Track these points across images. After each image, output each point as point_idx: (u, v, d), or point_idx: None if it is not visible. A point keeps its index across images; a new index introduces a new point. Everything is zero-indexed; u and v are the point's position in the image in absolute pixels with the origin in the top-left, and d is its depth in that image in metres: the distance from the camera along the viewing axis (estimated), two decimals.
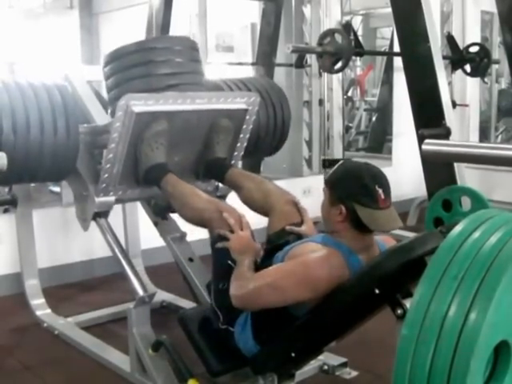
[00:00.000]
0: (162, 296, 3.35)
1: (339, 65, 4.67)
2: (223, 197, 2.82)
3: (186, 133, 2.55)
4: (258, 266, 2.02)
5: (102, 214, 2.56)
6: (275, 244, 2.14)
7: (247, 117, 2.69)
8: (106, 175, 2.45)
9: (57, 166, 2.38)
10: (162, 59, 2.54)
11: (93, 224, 2.62)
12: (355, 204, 1.77)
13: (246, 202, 2.43)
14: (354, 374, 2.54)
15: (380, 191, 1.78)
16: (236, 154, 2.78)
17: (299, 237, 2.14)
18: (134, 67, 2.52)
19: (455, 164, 2.98)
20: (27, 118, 2.25)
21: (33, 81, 2.39)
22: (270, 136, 3.03)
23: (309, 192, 4.65)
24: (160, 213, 2.96)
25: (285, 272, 1.83)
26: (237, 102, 2.64)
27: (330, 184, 1.87)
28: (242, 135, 2.74)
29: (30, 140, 2.26)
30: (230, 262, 2.05)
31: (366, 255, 1.84)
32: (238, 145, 2.77)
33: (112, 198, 2.53)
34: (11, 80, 2.36)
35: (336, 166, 1.91)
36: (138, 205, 3.20)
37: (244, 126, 2.72)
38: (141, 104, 2.36)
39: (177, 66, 2.57)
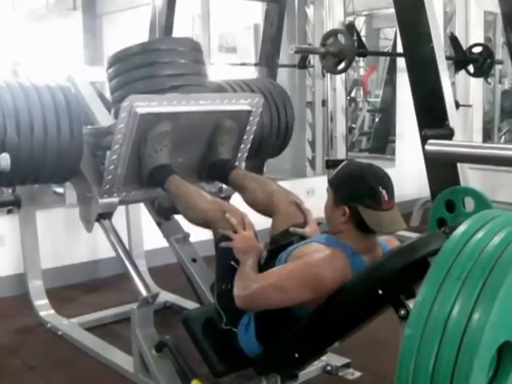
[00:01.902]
0: (166, 297, 3.35)
1: (342, 65, 4.67)
2: (227, 198, 2.82)
3: (189, 134, 2.55)
4: (262, 267, 2.02)
5: (105, 216, 2.56)
6: (279, 245, 2.14)
7: (251, 118, 2.70)
8: (110, 176, 2.45)
9: (60, 167, 2.38)
10: (165, 60, 2.54)
11: (96, 225, 2.63)
12: (359, 205, 1.77)
13: (249, 203, 2.43)
14: (358, 374, 2.54)
15: (384, 192, 1.78)
16: (240, 155, 2.79)
17: (303, 237, 2.14)
18: (137, 68, 2.52)
19: (458, 164, 2.97)
20: (31, 120, 2.25)
21: (36, 82, 2.39)
22: (273, 137, 3.03)
23: (312, 193, 4.66)
24: (164, 214, 2.96)
25: (288, 273, 1.83)
26: (240, 104, 2.65)
27: (334, 185, 1.87)
28: (245, 136, 2.74)
29: (33, 141, 2.26)
30: (233, 262, 2.05)
31: (370, 256, 1.84)
32: (242, 146, 2.77)
33: (116, 200, 2.53)
34: (15, 81, 2.36)
35: (339, 167, 1.91)
36: (142, 206, 3.20)
37: (248, 128, 2.72)
38: (144, 105, 2.36)
39: (180, 68, 2.57)
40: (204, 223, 2.22)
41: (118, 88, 2.57)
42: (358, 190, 1.79)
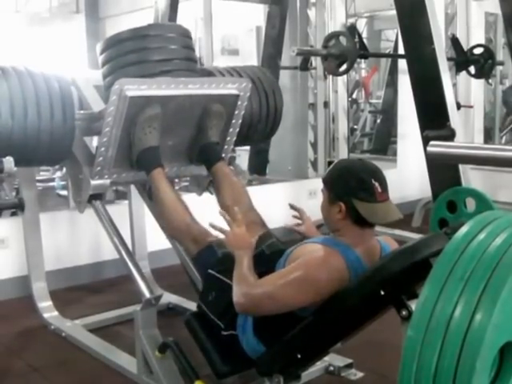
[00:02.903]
0: (169, 298, 3.36)
1: (344, 67, 4.68)
2: None
3: (179, 117, 2.59)
4: (260, 270, 2.02)
5: (97, 197, 2.62)
6: (258, 250, 2.14)
7: (239, 102, 2.72)
8: (101, 158, 2.49)
9: (53, 150, 2.42)
10: (155, 46, 2.58)
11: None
12: (354, 199, 1.79)
13: (219, 205, 2.50)
14: (360, 375, 2.55)
15: (376, 184, 1.80)
16: (229, 138, 2.81)
17: (302, 239, 2.15)
18: (128, 54, 2.56)
19: (460, 165, 2.98)
20: (25, 104, 2.30)
21: (31, 68, 2.42)
22: (262, 123, 3.06)
23: (314, 194, 4.65)
24: None
25: (285, 280, 1.81)
26: (228, 88, 2.67)
27: (328, 183, 1.89)
28: (234, 120, 2.77)
29: (27, 125, 2.30)
30: (210, 271, 2.11)
31: (365, 250, 1.85)
32: (231, 130, 2.79)
33: (107, 181, 2.58)
34: (9, 67, 2.38)
35: (331, 166, 1.94)
36: (145, 208, 3.21)
37: (236, 112, 2.74)
38: (134, 88, 2.39)
39: (170, 53, 2.61)
40: (181, 235, 2.33)
41: (109, 73, 2.60)
42: (351, 184, 1.81)
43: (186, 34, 2.72)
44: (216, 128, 2.66)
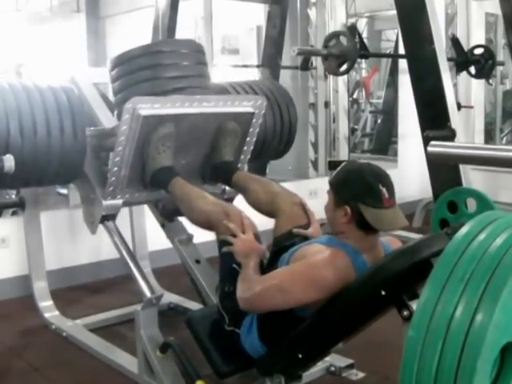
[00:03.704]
0: (170, 298, 3.36)
1: (344, 67, 4.69)
2: (230, 199, 2.83)
3: (192, 136, 2.56)
4: (265, 269, 2.03)
5: (109, 217, 2.56)
6: (281, 246, 2.15)
7: (254, 120, 2.70)
8: (113, 178, 2.46)
9: (64, 168, 2.39)
10: (168, 62, 2.55)
11: (100, 226, 2.64)
12: (360, 204, 1.78)
13: (252, 204, 2.43)
14: (361, 375, 2.55)
15: (384, 190, 1.79)
16: (243, 157, 2.79)
17: (305, 238, 2.15)
18: (140, 70, 2.53)
19: (460, 166, 2.98)
20: (34, 121, 2.26)
21: (39, 83, 2.40)
22: (276, 139, 3.04)
23: (315, 194, 4.66)
24: (168, 216, 2.97)
25: (290, 274, 1.84)
26: (244, 106, 2.65)
27: (334, 186, 1.88)
28: (248, 138, 2.75)
29: (36, 142, 2.27)
30: (234, 265, 2.07)
31: (371, 255, 1.85)
32: (245, 148, 2.77)
33: (119, 201, 2.53)
34: (18, 82, 2.37)
35: (339, 168, 1.92)
36: (146, 207, 3.22)
37: (251, 130, 2.72)
38: (148, 107, 2.36)
39: (183, 70, 2.58)
40: (207, 225, 2.23)
41: (121, 90, 2.58)
42: (358, 189, 1.80)
43: (198, 50, 2.70)
44: (230, 146, 2.63)
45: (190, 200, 2.33)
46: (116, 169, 2.44)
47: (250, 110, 2.67)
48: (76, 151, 2.37)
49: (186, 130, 2.51)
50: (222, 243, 2.13)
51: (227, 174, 2.59)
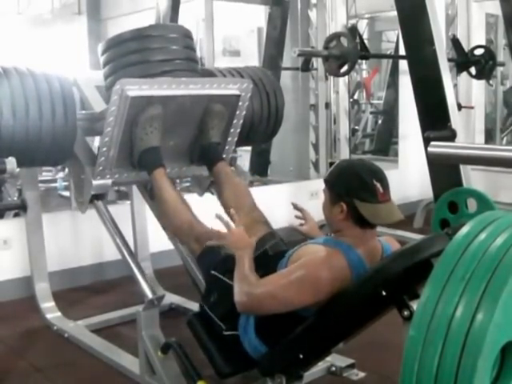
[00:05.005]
0: (171, 299, 3.37)
1: (345, 68, 4.69)
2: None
3: (180, 118, 2.59)
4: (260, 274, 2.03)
5: (99, 197, 2.63)
6: (262, 251, 2.16)
7: (240, 103, 2.73)
8: (103, 158, 2.51)
9: (55, 149, 2.43)
10: (157, 46, 2.59)
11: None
12: (355, 200, 1.80)
13: (221, 205, 2.52)
14: (362, 375, 2.55)
15: (378, 185, 1.80)
16: (230, 139, 2.82)
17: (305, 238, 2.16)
18: (129, 54, 2.57)
19: (461, 166, 2.99)
20: (26, 103, 2.30)
21: (33, 68, 2.43)
22: (263, 123, 3.06)
23: (316, 195, 4.65)
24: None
25: (286, 279, 1.83)
26: (229, 88, 2.68)
27: (329, 183, 1.89)
28: (235, 121, 2.78)
29: (28, 124, 2.31)
30: (213, 272, 2.12)
31: (368, 251, 1.85)
32: (232, 130, 2.80)
33: (109, 181, 2.59)
34: (11, 66, 2.39)
35: (333, 166, 1.94)
36: (147, 208, 3.22)
37: (237, 112, 2.75)
38: (135, 88, 2.41)
39: (171, 53, 2.62)
40: (184, 234, 2.33)
41: (110, 74, 2.61)
42: (353, 184, 1.81)
43: (187, 35, 2.73)
44: (217, 128, 2.67)
45: (166, 207, 2.41)
46: (105, 149, 2.48)
47: (236, 92, 2.70)
48: (67, 133, 2.42)
49: (173, 111, 2.55)
50: (201, 255, 2.21)
51: (211, 161, 2.65)
